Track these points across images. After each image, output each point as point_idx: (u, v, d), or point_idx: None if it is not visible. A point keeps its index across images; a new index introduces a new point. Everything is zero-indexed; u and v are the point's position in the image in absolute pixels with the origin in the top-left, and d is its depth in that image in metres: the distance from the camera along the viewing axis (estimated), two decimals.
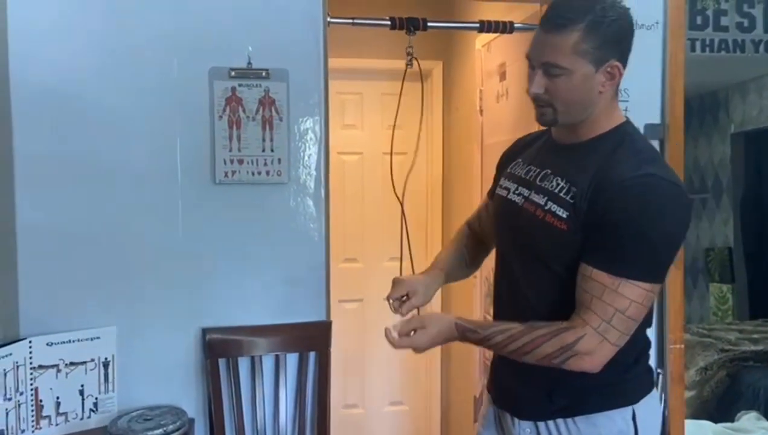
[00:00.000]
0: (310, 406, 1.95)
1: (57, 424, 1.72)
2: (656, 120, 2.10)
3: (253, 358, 1.90)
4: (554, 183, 1.24)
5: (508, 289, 1.37)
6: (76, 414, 1.75)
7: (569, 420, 1.24)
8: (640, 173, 1.15)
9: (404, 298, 1.41)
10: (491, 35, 2.44)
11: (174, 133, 1.85)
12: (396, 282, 1.43)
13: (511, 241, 1.36)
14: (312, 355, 1.94)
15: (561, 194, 1.22)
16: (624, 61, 1.24)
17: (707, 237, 4.94)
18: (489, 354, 2.71)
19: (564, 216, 1.20)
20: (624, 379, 1.23)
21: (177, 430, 1.71)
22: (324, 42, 1.92)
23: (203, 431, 1.90)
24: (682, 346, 2.08)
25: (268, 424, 1.92)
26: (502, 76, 2.53)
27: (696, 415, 2.99)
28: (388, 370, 3.37)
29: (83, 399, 1.76)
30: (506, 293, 1.38)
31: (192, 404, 1.88)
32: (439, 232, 3.48)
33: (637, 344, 1.24)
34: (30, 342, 1.68)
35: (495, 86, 2.61)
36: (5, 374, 1.59)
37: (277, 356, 1.92)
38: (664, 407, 2.09)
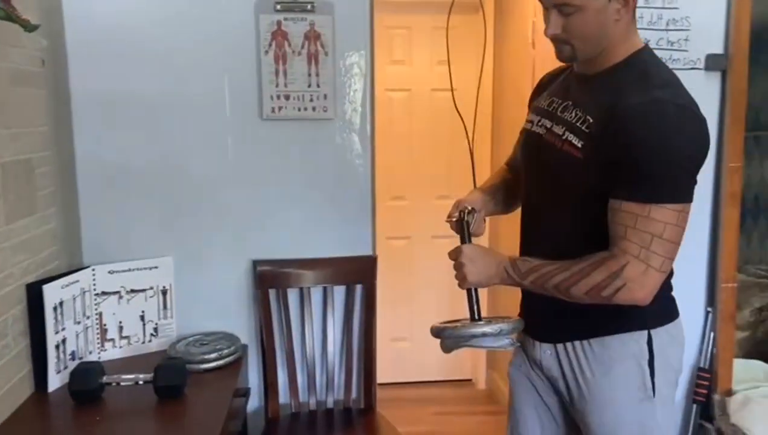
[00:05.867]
0: (357, 335, 2.02)
1: (120, 347, 1.84)
2: (719, 50, 1.99)
3: (301, 289, 1.96)
4: (573, 114, 1.26)
5: (533, 225, 1.39)
6: (138, 338, 1.87)
7: (585, 342, 1.27)
8: (645, 99, 1.15)
9: (468, 211, 1.40)
10: None
11: (222, 69, 1.88)
12: (457, 203, 1.45)
13: (535, 173, 1.37)
14: (358, 287, 2.00)
15: (578, 124, 1.23)
16: None
17: None
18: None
19: (579, 145, 1.21)
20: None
21: (231, 354, 1.81)
22: None
23: (255, 356, 2.00)
24: (734, 285, 2.04)
25: (317, 352, 2.00)
26: None
27: (749, 356, 2.94)
28: (436, 305, 3.42)
29: (144, 324, 1.87)
30: (531, 229, 1.40)
31: (245, 331, 1.98)
32: (487, 168, 3.44)
33: None
34: (93, 270, 1.79)
35: None
36: (74, 299, 1.71)
37: (324, 288, 1.98)
38: (712, 346, 2.07)
